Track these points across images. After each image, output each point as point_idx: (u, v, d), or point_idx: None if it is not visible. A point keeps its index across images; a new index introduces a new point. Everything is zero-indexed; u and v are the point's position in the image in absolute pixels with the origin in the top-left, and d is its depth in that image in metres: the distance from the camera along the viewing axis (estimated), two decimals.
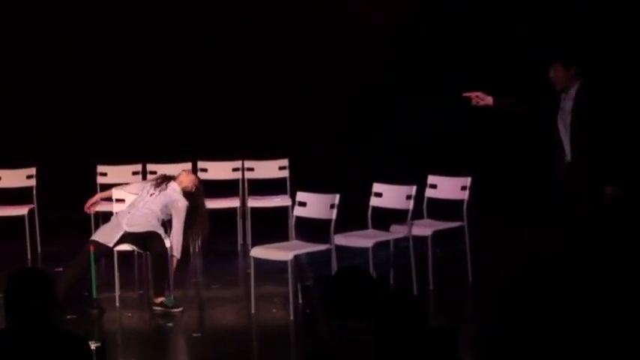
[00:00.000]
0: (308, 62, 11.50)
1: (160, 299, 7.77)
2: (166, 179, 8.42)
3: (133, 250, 8.10)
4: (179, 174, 8.52)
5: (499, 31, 10.93)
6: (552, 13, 10.64)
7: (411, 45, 11.39)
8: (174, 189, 8.28)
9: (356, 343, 4.13)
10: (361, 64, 11.44)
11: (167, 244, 7.94)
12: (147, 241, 7.80)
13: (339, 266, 7.54)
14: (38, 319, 3.99)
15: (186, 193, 8.30)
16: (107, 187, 9.51)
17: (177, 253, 7.98)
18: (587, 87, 7.15)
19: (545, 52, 8.52)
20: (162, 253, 7.78)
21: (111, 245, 7.83)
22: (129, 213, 8.04)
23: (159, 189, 8.26)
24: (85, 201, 8.73)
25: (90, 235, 8.22)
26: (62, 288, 7.48)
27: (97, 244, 7.79)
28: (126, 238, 7.87)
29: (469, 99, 7.38)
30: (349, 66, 11.42)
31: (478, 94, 7.33)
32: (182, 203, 8.19)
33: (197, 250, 9.75)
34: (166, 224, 8.21)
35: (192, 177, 8.49)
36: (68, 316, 7.51)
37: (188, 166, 9.91)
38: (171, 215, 8.15)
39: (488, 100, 7.32)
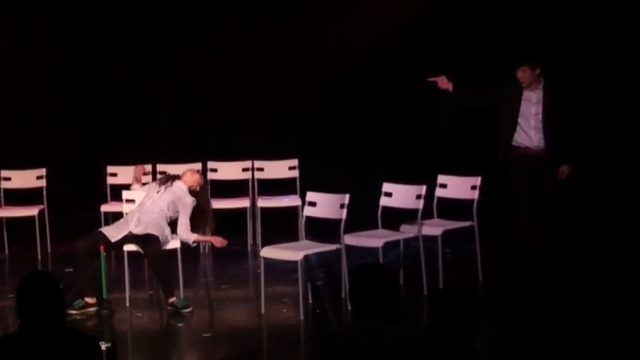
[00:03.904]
0: (318, 61, 11.47)
1: (171, 300, 7.77)
2: (171, 178, 8.50)
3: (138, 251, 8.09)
4: (184, 173, 8.59)
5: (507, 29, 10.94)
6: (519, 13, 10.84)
7: (422, 42, 11.37)
8: (180, 187, 8.37)
9: (370, 345, 4.08)
10: (371, 62, 11.41)
11: (175, 244, 7.97)
12: (144, 244, 7.78)
13: (349, 266, 7.54)
14: (49, 321, 4.02)
15: (191, 193, 8.38)
16: (117, 187, 9.54)
17: (188, 236, 8.03)
18: (555, 85, 8.41)
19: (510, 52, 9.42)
20: (158, 256, 7.74)
21: (112, 240, 7.82)
22: (138, 212, 8.10)
23: (164, 186, 8.34)
24: (96, 201, 8.68)
25: None
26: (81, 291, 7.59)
27: (101, 234, 7.82)
28: (129, 239, 7.88)
29: (435, 83, 8.45)
30: (359, 64, 11.39)
31: (442, 77, 8.45)
32: (189, 199, 8.29)
33: (207, 250, 9.78)
34: (174, 223, 8.22)
35: (197, 176, 8.56)
36: (78, 317, 7.57)
37: (198, 166, 9.92)
38: (178, 212, 8.20)
39: (449, 85, 8.46)
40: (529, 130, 8.39)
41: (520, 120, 8.38)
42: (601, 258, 9.01)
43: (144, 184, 8.76)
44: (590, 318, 7.14)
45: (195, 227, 8.27)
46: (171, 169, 9.65)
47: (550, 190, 8.42)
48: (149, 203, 8.19)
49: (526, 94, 8.40)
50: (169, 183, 8.39)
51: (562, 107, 8.42)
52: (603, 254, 9.15)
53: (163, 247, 7.90)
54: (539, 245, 8.34)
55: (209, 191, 9.02)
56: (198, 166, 9.99)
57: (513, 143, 8.46)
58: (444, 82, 8.47)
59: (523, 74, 8.35)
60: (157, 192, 8.31)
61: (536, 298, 7.80)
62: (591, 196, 10.26)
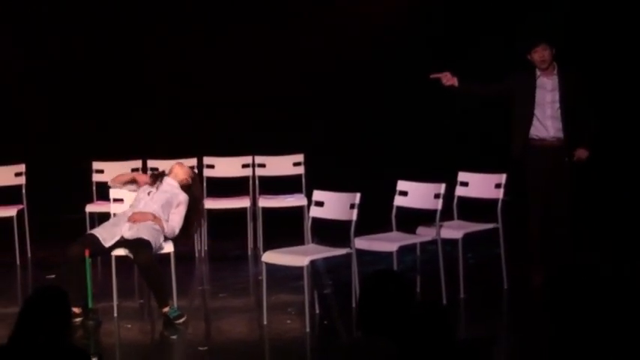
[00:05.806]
0: (326, 49, 11.50)
1: (165, 309, 7.75)
2: (160, 175, 8.54)
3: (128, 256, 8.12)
4: (172, 168, 8.60)
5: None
6: None
7: (438, 31, 11.43)
8: (170, 183, 8.41)
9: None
10: (384, 48, 11.45)
11: (169, 248, 8.00)
12: (134, 249, 7.76)
13: (360, 273, 7.57)
14: (52, 339, 4.18)
15: (184, 187, 8.43)
16: (104, 185, 9.54)
17: (168, 230, 8.09)
18: (570, 68, 8.52)
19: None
20: (148, 263, 7.70)
21: (106, 246, 7.84)
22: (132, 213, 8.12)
23: (155, 186, 8.37)
24: (80, 201, 8.63)
25: None
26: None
27: (94, 238, 7.83)
28: (120, 243, 7.88)
29: (438, 80, 8.55)
30: (369, 52, 11.45)
31: (446, 74, 8.55)
32: (183, 196, 8.32)
33: (203, 255, 9.81)
34: None
35: (186, 169, 8.61)
36: None
37: (192, 162, 9.96)
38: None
39: (454, 80, 8.55)
40: (545, 120, 8.40)
41: (535, 110, 8.40)
42: (601, 258, 9.20)
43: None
44: (604, 323, 7.26)
45: (189, 222, 8.32)
46: (164, 165, 9.58)
47: (567, 191, 8.44)
48: (142, 205, 8.19)
49: (540, 80, 8.41)
50: (159, 182, 8.41)
51: (583, 90, 8.44)
52: (603, 254, 9.35)
53: (157, 252, 7.91)
54: (555, 252, 8.43)
55: (199, 182, 9.07)
56: (193, 161, 10.04)
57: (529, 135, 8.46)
58: (448, 78, 8.53)
59: (544, 52, 8.35)
60: (148, 193, 8.32)
61: (558, 307, 7.85)
62: (590, 196, 10.35)
